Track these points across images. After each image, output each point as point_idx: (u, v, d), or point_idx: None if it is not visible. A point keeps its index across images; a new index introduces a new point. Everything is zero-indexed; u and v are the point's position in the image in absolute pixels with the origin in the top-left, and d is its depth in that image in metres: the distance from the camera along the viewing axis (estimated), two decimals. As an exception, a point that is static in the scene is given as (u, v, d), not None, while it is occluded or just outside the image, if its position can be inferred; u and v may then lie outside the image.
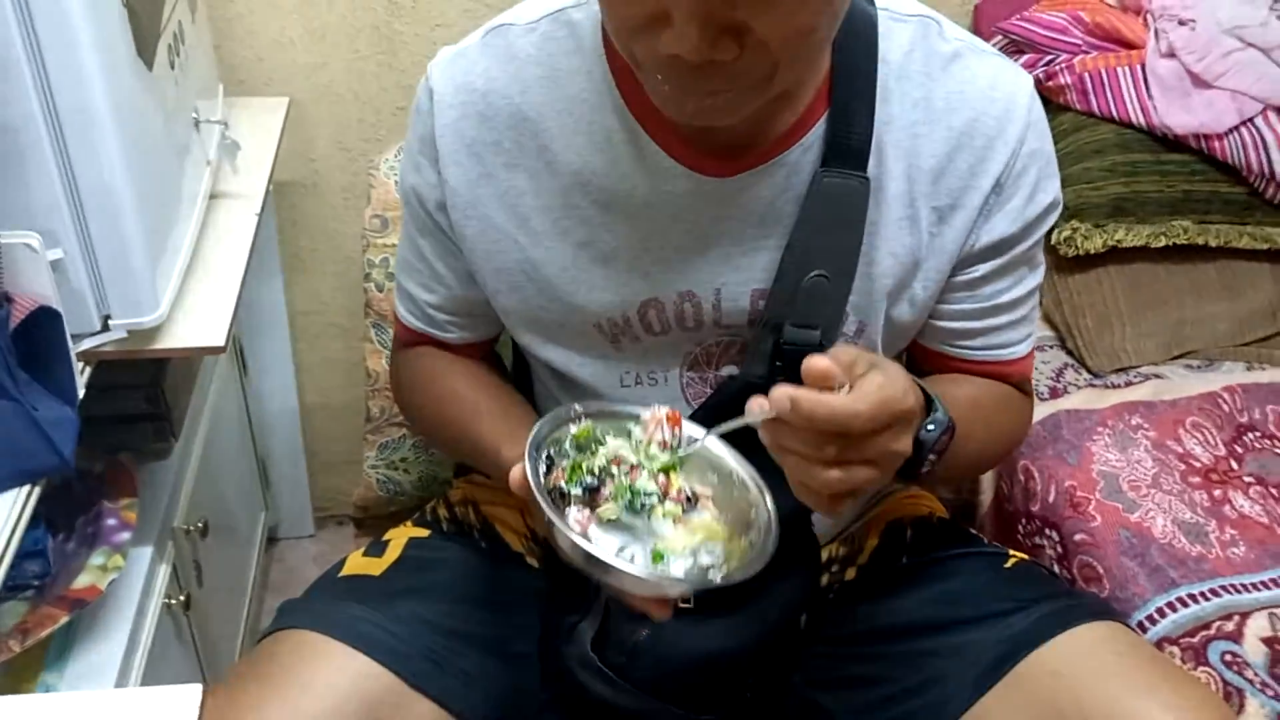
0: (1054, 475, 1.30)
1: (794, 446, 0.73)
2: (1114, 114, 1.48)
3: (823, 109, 0.89)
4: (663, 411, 0.81)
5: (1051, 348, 1.49)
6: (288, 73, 1.60)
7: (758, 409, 0.73)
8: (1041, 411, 1.37)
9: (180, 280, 1.14)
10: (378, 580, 1.04)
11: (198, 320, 1.12)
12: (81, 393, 1.02)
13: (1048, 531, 1.28)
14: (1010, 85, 0.91)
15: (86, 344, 1.05)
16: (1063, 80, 1.50)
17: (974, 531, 1.14)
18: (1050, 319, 1.52)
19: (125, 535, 1.18)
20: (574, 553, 0.75)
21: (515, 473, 0.77)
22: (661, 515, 0.79)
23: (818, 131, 0.89)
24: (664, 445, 0.81)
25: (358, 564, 1.07)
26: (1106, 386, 1.42)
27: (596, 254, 0.93)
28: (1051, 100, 1.54)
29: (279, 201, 1.71)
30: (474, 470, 1.21)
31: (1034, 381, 1.43)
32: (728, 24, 0.70)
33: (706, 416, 0.91)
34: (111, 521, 1.20)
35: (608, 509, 0.78)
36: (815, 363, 0.71)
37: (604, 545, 0.77)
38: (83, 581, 1.12)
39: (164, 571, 1.29)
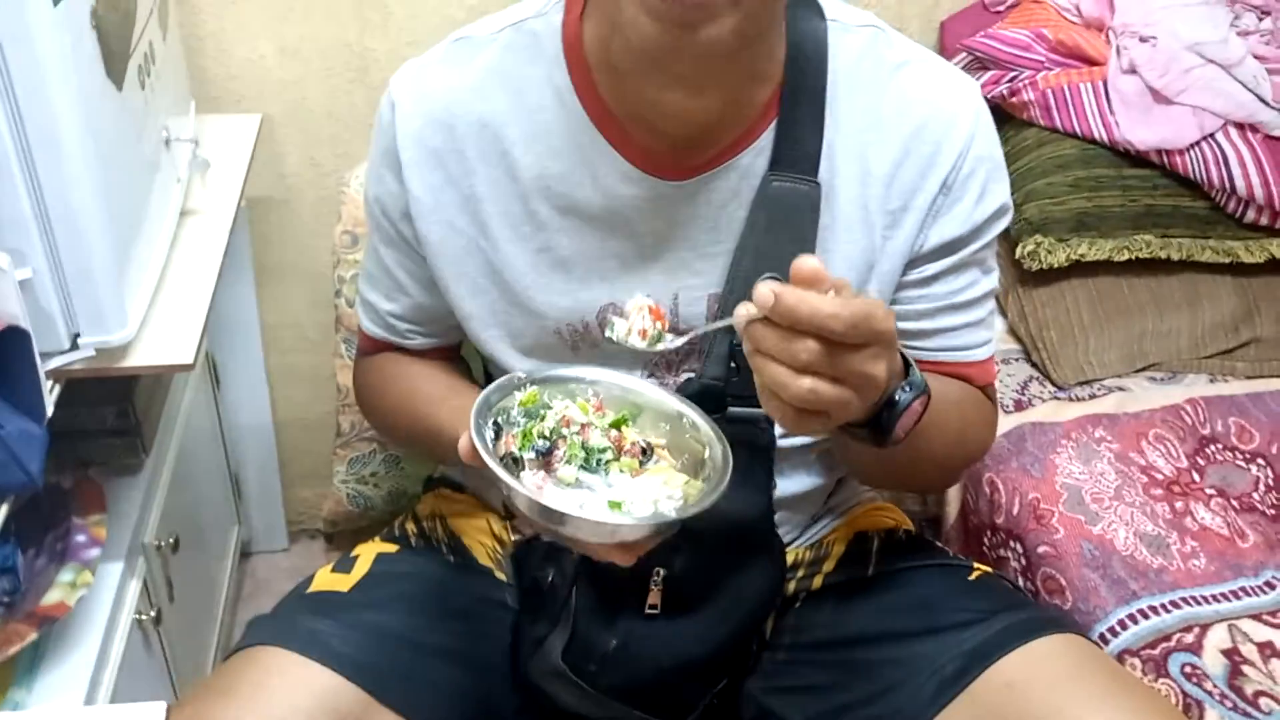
0: (1018, 488, 1.32)
1: (770, 347, 0.71)
2: (1077, 130, 1.50)
3: (773, 116, 0.91)
4: (647, 301, 0.81)
5: (1016, 360, 1.51)
6: (260, 89, 1.61)
7: (743, 312, 0.72)
8: (1006, 424, 1.39)
9: (150, 298, 1.15)
10: (345, 595, 1.05)
11: (167, 337, 1.13)
12: (50, 411, 1.03)
13: (1011, 544, 1.30)
14: (956, 91, 0.94)
15: (55, 362, 1.05)
16: (1026, 97, 1.52)
17: (940, 545, 1.15)
18: (1015, 332, 1.54)
19: (94, 552, 1.19)
20: (531, 510, 0.75)
21: (463, 441, 0.78)
22: (619, 470, 0.80)
23: (768, 137, 0.91)
24: (643, 334, 0.80)
25: (326, 580, 1.08)
26: (1071, 399, 1.44)
27: (555, 259, 0.95)
28: (1015, 116, 1.56)
29: (252, 216, 1.72)
30: (442, 484, 1.22)
31: (999, 394, 1.44)
32: None
33: None
34: (81, 538, 1.20)
35: (564, 471, 0.79)
36: (806, 261, 0.70)
37: (561, 501, 0.77)
38: (52, 598, 1.12)
39: (134, 587, 1.29)
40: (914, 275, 0.97)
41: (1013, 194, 1.54)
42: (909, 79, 0.93)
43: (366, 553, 1.11)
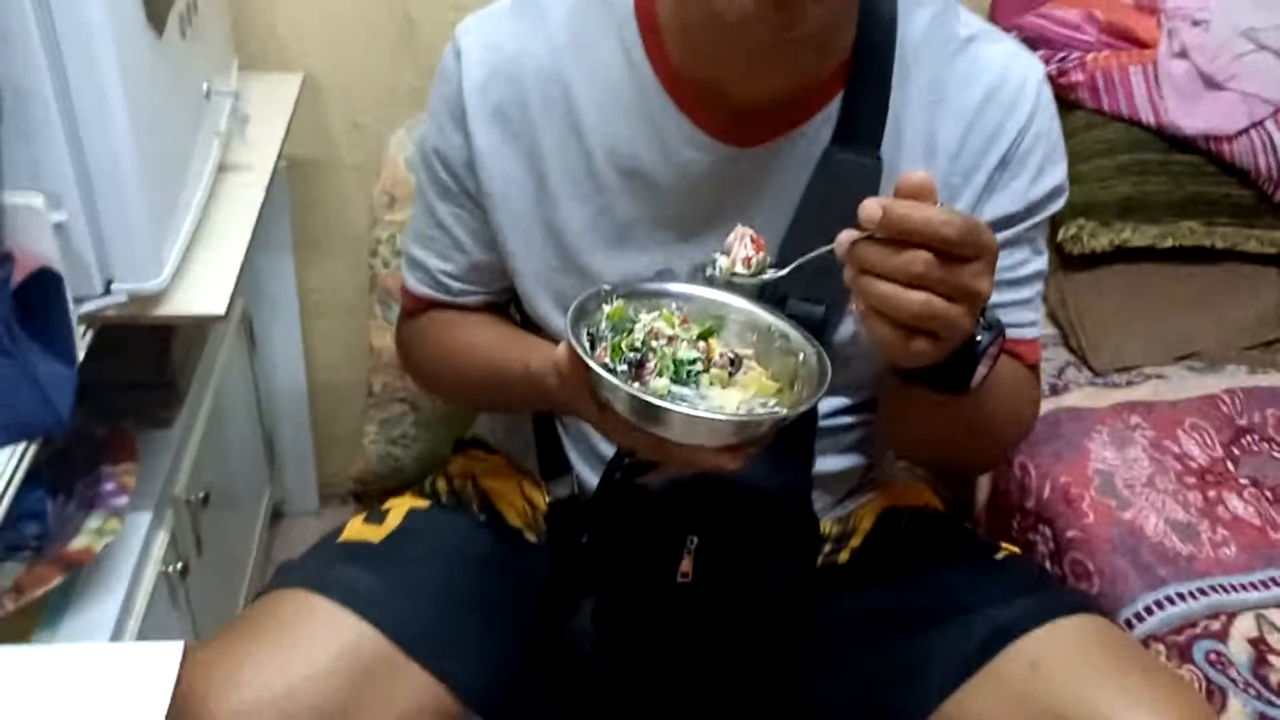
0: (1049, 472, 1.30)
1: (878, 262, 0.70)
2: (1125, 113, 1.47)
3: (839, 86, 0.90)
4: (749, 230, 0.81)
5: (1055, 345, 1.49)
6: (303, 50, 1.62)
7: (845, 237, 0.71)
8: (1042, 409, 1.36)
9: (185, 248, 1.16)
10: (377, 547, 1.05)
11: (200, 288, 1.14)
12: (81, 355, 1.04)
13: (1041, 528, 1.28)
14: (1022, 68, 0.93)
15: (88, 307, 1.06)
16: (1075, 78, 1.50)
17: (968, 526, 1.14)
18: (1054, 317, 1.52)
19: (123, 500, 1.20)
20: (636, 411, 0.75)
21: (561, 350, 0.78)
22: (709, 382, 0.79)
23: (835, 105, 0.90)
24: (748, 262, 0.80)
25: (357, 530, 1.08)
26: (1107, 385, 1.42)
27: (613, 222, 0.94)
28: (1063, 97, 1.54)
29: (292, 179, 1.73)
30: (473, 445, 1.21)
31: (1035, 378, 1.42)
32: None
33: None
34: (110, 486, 1.21)
35: (657, 384, 0.78)
36: (913, 174, 0.70)
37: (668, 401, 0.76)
38: (78, 544, 1.13)
39: (162, 538, 1.30)
40: None
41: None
42: (975, 53, 0.92)
43: (399, 506, 1.11)
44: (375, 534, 1.07)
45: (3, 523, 1.14)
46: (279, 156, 1.42)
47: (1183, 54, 1.46)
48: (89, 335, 1.08)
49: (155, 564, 1.28)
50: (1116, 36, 1.51)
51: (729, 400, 0.78)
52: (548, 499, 1.11)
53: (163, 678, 0.76)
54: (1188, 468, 1.30)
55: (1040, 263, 0.99)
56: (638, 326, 0.80)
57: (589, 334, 0.81)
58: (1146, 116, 1.46)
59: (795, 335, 0.82)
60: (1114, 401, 1.38)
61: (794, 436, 0.96)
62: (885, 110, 0.90)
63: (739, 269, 0.80)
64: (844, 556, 1.09)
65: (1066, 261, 1.49)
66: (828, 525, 1.12)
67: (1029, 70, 0.93)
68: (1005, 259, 0.96)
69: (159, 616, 1.29)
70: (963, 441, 0.97)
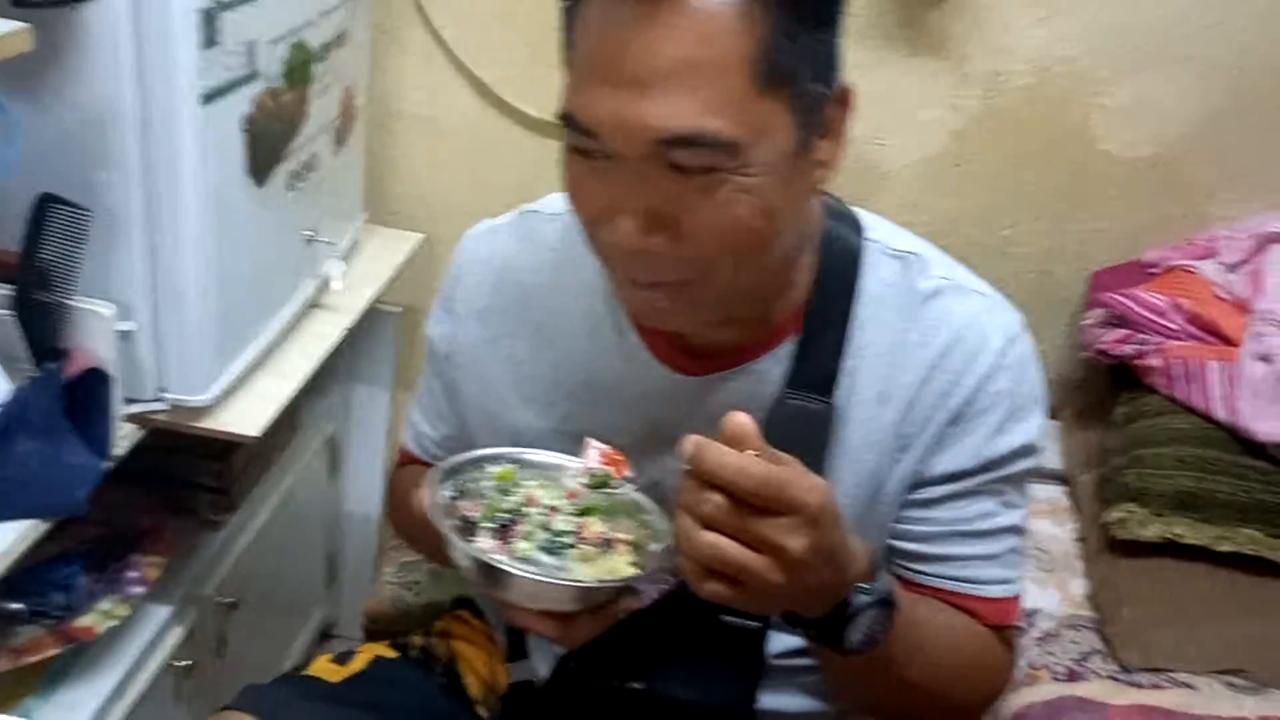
0: (1043, 760, 1.23)
1: (682, 498, 0.71)
2: (1198, 406, 1.43)
3: (795, 329, 0.92)
4: (604, 445, 0.83)
5: (1086, 629, 1.42)
6: (429, 215, 1.79)
7: (676, 466, 0.73)
8: (1051, 691, 1.31)
9: (245, 372, 1.27)
10: (332, 686, 1.10)
11: (242, 410, 1.24)
12: (123, 450, 1.14)
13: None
14: (986, 325, 0.92)
15: (136, 408, 1.17)
16: (1152, 362, 1.47)
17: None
18: (1092, 599, 1.46)
19: (139, 589, 1.29)
20: (468, 567, 0.77)
21: (423, 497, 0.82)
22: (576, 558, 0.80)
23: (788, 348, 0.92)
24: (590, 474, 0.83)
25: (321, 667, 1.13)
26: (1130, 684, 1.34)
27: (573, 432, 0.98)
28: (1140, 380, 1.52)
29: (407, 324, 1.86)
30: (464, 606, 1.25)
31: (1054, 659, 1.37)
32: (660, 217, 0.77)
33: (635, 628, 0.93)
34: (133, 574, 1.31)
35: (520, 546, 0.80)
36: (736, 417, 0.70)
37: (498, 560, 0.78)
38: (84, 621, 1.23)
39: (177, 634, 1.38)
40: (917, 496, 0.95)
41: (1120, 458, 1.51)
42: (939, 307, 0.92)
43: (367, 652, 1.16)
44: (336, 674, 1.11)
45: (35, 590, 1.26)
46: (373, 303, 1.54)
47: (1266, 358, 1.41)
48: (139, 434, 1.19)
49: (163, 656, 1.35)
50: (1201, 329, 1.48)
51: (586, 574, 0.79)
52: (509, 680, 1.13)
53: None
54: (1191, 791, 1.21)
55: (1012, 517, 0.96)
56: (519, 491, 0.84)
57: (457, 487, 0.84)
58: (1220, 414, 1.41)
59: (663, 529, 0.83)
60: (1131, 701, 1.30)
61: (736, 655, 0.96)
62: (838, 357, 0.91)
63: (584, 480, 0.83)
64: None
65: (1112, 545, 1.43)
66: None
67: (995, 327, 0.92)
68: (964, 510, 0.94)
69: (156, 708, 1.36)
70: (897, 700, 0.94)
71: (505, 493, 0.84)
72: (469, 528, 0.81)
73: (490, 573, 0.76)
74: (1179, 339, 1.48)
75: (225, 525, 1.50)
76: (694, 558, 0.71)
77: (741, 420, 0.70)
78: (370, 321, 1.69)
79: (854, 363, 0.92)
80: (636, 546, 0.82)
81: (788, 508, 0.70)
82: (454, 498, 0.84)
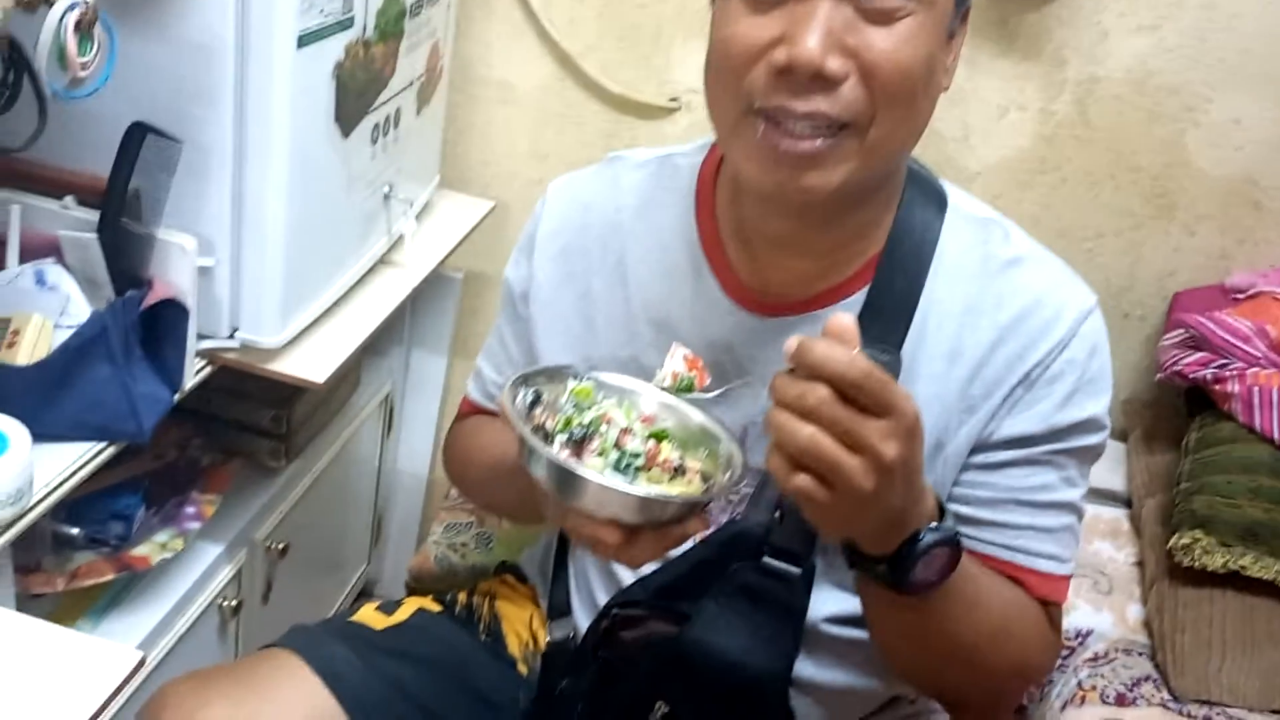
0: (1084, 779, 1.21)
1: (782, 392, 0.70)
2: (1275, 436, 1.40)
3: (868, 279, 0.92)
4: (687, 350, 0.84)
5: (1139, 655, 1.39)
6: (507, 181, 1.78)
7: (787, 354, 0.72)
8: (1099, 714, 1.28)
9: (314, 319, 1.27)
10: (376, 633, 1.10)
11: (309, 357, 1.24)
12: (189, 384, 1.14)
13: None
14: (1065, 295, 0.92)
15: (208, 344, 1.18)
16: (1230, 388, 1.44)
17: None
18: (1148, 624, 1.42)
19: (194, 525, 1.30)
20: (538, 470, 0.77)
21: (501, 399, 0.82)
22: (645, 480, 0.80)
23: (859, 298, 0.92)
24: (674, 377, 0.83)
25: (366, 614, 1.14)
26: (1181, 714, 1.31)
27: (640, 369, 0.98)
28: (1216, 405, 1.48)
29: (466, 289, 1.87)
30: (509, 570, 1.25)
31: (1104, 682, 1.34)
32: (843, 44, 0.78)
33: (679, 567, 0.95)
34: (191, 509, 1.32)
35: (594, 462, 0.80)
36: (842, 318, 0.71)
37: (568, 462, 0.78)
38: (140, 551, 1.24)
39: (226, 572, 1.39)
40: (979, 459, 0.94)
41: (1190, 483, 1.47)
42: (1018, 275, 0.92)
43: (412, 604, 1.16)
44: (380, 622, 1.12)
45: (95, 517, 1.27)
46: (436, 267, 1.54)
47: (1349, 392, 1.38)
48: (207, 370, 1.19)
49: (211, 594, 1.37)
50: (1284, 357, 1.44)
51: (653, 492, 0.79)
52: (548, 638, 1.13)
53: (109, 676, 0.82)
54: (1236, 825, 1.18)
55: (1070, 494, 0.95)
56: (594, 408, 0.83)
57: (535, 392, 0.84)
58: (1296, 445, 1.38)
59: (733, 453, 0.83)
60: (1180, 731, 1.27)
61: (781, 618, 0.95)
62: (910, 312, 0.91)
63: (667, 383, 0.83)
64: None
65: (1174, 571, 1.40)
66: None
67: (1073, 298, 0.92)
68: (1025, 479, 0.93)
69: (201, 642, 1.37)
70: (936, 657, 0.92)
71: (581, 409, 0.83)
72: (545, 437, 0.81)
73: (563, 476, 0.77)
74: (1260, 365, 1.44)
75: (282, 472, 1.51)
76: (790, 450, 0.71)
77: (846, 320, 0.70)
78: (432, 285, 1.69)
79: (925, 318, 0.92)
80: (706, 476, 0.82)
81: (888, 409, 0.70)
82: (531, 404, 0.83)
